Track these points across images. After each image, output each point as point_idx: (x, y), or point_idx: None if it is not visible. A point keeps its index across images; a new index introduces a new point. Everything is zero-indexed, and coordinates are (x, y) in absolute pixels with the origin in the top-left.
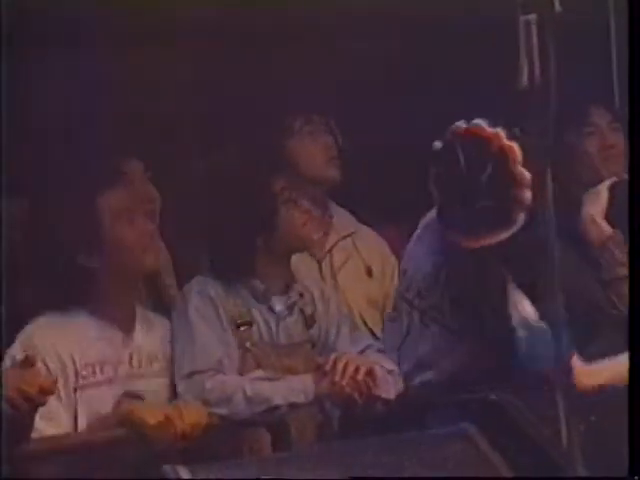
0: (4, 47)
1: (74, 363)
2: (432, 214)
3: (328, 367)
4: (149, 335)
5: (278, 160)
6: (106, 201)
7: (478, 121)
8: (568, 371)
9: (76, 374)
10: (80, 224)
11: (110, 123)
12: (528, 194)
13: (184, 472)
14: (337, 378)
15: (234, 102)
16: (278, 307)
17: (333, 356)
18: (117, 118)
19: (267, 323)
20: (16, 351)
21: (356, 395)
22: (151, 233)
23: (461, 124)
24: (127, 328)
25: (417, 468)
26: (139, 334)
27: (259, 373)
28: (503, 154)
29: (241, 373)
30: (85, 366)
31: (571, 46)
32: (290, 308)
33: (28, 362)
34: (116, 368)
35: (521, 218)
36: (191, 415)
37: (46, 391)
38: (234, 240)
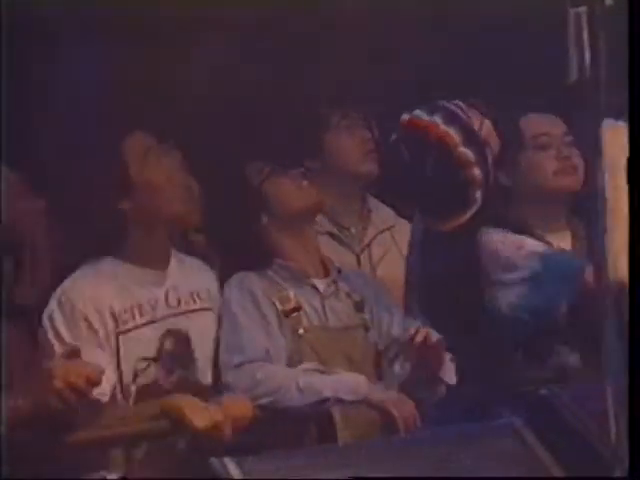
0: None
1: (112, 311)
2: None
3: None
4: (185, 273)
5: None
6: (131, 142)
7: (418, 112)
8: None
9: (116, 321)
10: (108, 168)
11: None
12: (477, 172)
13: (231, 464)
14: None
15: (272, 97)
16: (321, 286)
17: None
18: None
19: (313, 307)
20: (53, 308)
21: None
22: (180, 170)
23: (405, 116)
24: (160, 267)
25: (463, 462)
26: (174, 272)
27: (312, 365)
28: (441, 141)
29: (297, 361)
30: (123, 311)
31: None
32: (333, 285)
33: (74, 353)
34: (154, 308)
35: (479, 195)
36: (236, 409)
37: (93, 381)
38: (238, 227)
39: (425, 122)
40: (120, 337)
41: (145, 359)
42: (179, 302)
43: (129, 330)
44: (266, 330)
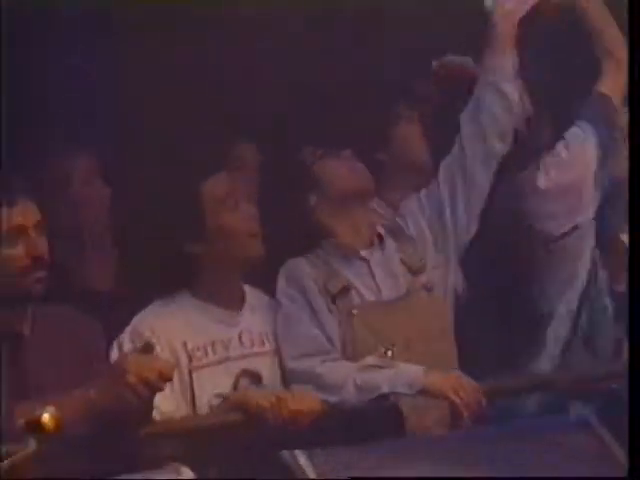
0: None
1: (185, 347)
2: None
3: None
4: (257, 315)
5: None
6: (210, 188)
7: (449, 57)
8: None
9: (189, 358)
10: (185, 212)
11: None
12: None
13: (302, 457)
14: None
15: (340, 89)
16: (368, 255)
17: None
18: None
19: (365, 283)
20: (124, 339)
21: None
22: (255, 217)
23: (435, 62)
24: (234, 307)
25: (536, 457)
26: (247, 314)
27: (371, 359)
28: (475, 81)
29: (351, 342)
30: (197, 349)
31: None
32: (379, 252)
33: (148, 348)
34: (227, 347)
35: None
36: (304, 401)
37: (165, 376)
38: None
39: (456, 63)
40: (193, 373)
41: (220, 396)
42: (252, 343)
43: (203, 367)
44: (317, 320)
